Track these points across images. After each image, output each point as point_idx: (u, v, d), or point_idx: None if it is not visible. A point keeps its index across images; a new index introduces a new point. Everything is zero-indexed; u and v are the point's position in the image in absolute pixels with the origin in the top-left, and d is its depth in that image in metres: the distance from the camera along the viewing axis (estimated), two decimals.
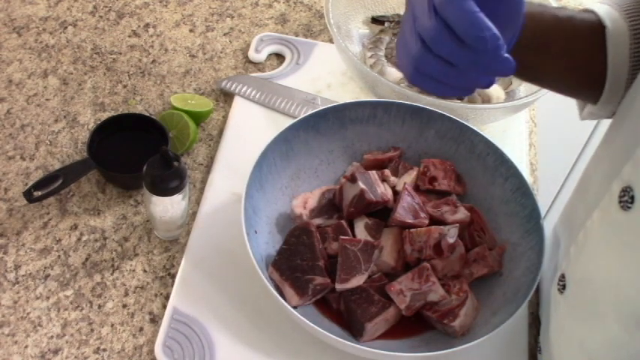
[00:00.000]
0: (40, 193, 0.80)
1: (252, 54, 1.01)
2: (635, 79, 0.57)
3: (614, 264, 0.55)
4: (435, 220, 0.77)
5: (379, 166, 0.84)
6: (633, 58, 0.58)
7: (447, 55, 0.50)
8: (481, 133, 0.81)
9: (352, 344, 0.67)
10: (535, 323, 0.78)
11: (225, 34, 1.05)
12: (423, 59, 0.51)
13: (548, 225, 0.75)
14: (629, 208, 0.52)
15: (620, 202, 0.53)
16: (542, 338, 0.74)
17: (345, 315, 0.73)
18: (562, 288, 0.64)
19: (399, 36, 0.54)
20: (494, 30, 0.48)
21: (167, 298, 0.76)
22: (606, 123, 0.65)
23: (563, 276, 0.64)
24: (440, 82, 0.53)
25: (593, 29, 0.59)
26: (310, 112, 0.82)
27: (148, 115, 0.90)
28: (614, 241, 0.55)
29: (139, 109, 0.94)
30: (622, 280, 0.53)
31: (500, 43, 0.48)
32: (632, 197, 0.51)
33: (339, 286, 0.72)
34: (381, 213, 0.79)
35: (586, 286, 0.60)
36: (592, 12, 0.60)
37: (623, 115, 0.59)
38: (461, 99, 0.90)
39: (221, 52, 1.02)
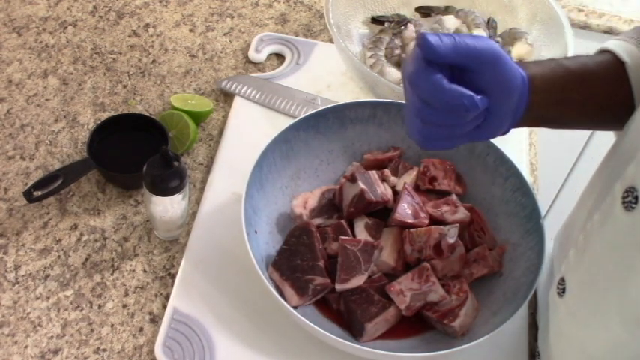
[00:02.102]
0: (40, 193, 0.80)
1: (252, 54, 1.01)
2: None
3: (618, 265, 0.55)
4: (435, 220, 0.77)
5: (379, 166, 0.84)
6: None
7: (438, 122, 0.56)
8: None
9: (352, 344, 0.67)
10: (535, 323, 0.78)
11: (225, 34, 1.05)
12: (425, 131, 0.57)
13: (549, 225, 0.75)
14: (632, 208, 0.52)
15: (624, 202, 0.53)
16: (540, 343, 0.74)
17: (345, 315, 0.73)
18: (561, 292, 0.64)
19: (405, 106, 0.59)
20: (467, 92, 0.53)
21: (167, 298, 0.76)
22: None
23: (562, 279, 0.64)
24: (448, 140, 0.58)
25: (611, 68, 0.60)
26: (310, 112, 0.82)
27: (148, 115, 0.90)
28: (618, 242, 0.55)
29: (139, 109, 0.94)
30: (626, 281, 0.53)
31: (478, 100, 0.53)
32: (636, 197, 0.52)
33: (339, 286, 0.72)
34: (381, 213, 0.79)
35: (587, 288, 0.60)
36: (607, 51, 0.62)
37: (628, 123, 0.60)
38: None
39: (221, 52, 1.03)
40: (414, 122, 0.57)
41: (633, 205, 0.52)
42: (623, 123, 0.63)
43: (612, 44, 0.62)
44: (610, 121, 0.64)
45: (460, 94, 0.53)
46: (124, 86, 0.97)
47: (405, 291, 0.71)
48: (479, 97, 0.54)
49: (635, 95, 0.60)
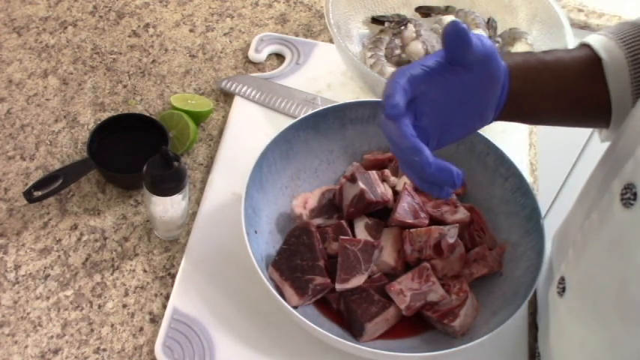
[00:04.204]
0: (40, 193, 0.80)
1: (252, 54, 1.01)
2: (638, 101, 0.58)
3: (617, 263, 0.55)
4: (435, 220, 0.77)
5: (379, 166, 0.84)
6: (634, 83, 0.59)
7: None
8: (481, 133, 0.81)
9: (352, 344, 0.67)
10: (535, 324, 0.78)
11: (225, 34, 1.05)
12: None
13: (549, 225, 0.75)
14: (631, 205, 0.52)
15: (622, 199, 0.53)
16: (540, 344, 0.74)
17: (345, 315, 0.73)
18: (561, 291, 0.64)
19: None
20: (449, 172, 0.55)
21: (167, 298, 0.76)
22: None
23: (562, 279, 0.64)
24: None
25: (588, 64, 0.60)
26: (310, 112, 0.82)
27: (148, 115, 0.90)
28: (616, 239, 0.55)
29: (139, 109, 0.94)
30: (625, 278, 0.53)
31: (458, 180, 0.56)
32: (635, 194, 0.52)
33: (339, 286, 0.72)
34: (381, 213, 0.79)
35: (587, 287, 0.60)
36: (587, 46, 0.62)
37: (626, 120, 0.60)
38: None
39: (221, 52, 1.03)
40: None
41: (632, 202, 0.52)
42: (598, 121, 0.63)
43: (592, 39, 0.62)
44: (584, 118, 0.64)
45: (442, 172, 0.55)
46: (124, 86, 0.97)
47: (405, 291, 0.71)
48: (460, 175, 0.55)
49: (611, 92, 0.59)
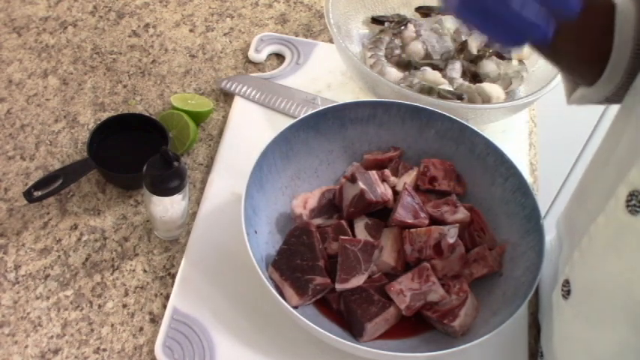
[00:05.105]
0: (40, 193, 0.80)
1: (252, 54, 1.01)
2: (636, 65, 0.57)
3: (623, 268, 0.54)
4: (435, 220, 0.77)
5: (379, 166, 0.84)
6: (638, 41, 0.57)
7: None
8: (481, 133, 0.81)
9: (352, 344, 0.67)
10: (535, 324, 0.78)
11: (225, 34, 1.05)
12: None
13: (549, 225, 0.75)
14: (637, 212, 0.52)
15: (628, 206, 0.53)
16: (543, 344, 0.73)
17: (345, 315, 0.73)
18: (566, 294, 0.64)
19: None
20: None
21: (167, 298, 0.76)
22: (607, 124, 0.65)
23: (567, 282, 0.64)
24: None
25: (606, 7, 0.58)
26: (310, 112, 0.82)
27: (148, 115, 0.90)
28: (622, 245, 0.54)
29: (139, 109, 0.94)
30: (631, 282, 0.53)
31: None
32: None
33: (339, 286, 0.72)
34: (381, 213, 0.79)
35: (593, 290, 0.60)
36: None
37: (625, 118, 0.59)
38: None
39: (221, 52, 1.03)
40: None
41: (638, 209, 0.52)
42: (590, 71, 0.61)
43: None
44: (587, 64, 0.62)
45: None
46: (124, 86, 0.97)
47: (405, 291, 0.71)
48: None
49: (615, 41, 0.58)
